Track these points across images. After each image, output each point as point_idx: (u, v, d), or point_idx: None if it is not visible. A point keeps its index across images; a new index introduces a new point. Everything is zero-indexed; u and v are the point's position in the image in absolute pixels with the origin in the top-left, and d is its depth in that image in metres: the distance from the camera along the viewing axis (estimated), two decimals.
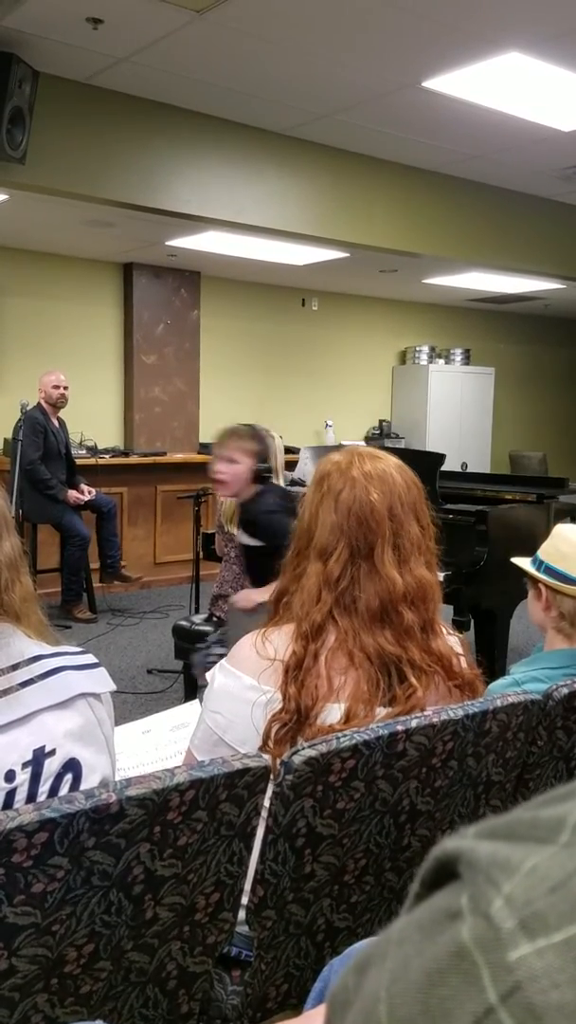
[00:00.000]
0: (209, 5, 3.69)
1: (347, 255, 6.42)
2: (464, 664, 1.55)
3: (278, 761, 1.28)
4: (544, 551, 1.93)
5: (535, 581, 1.92)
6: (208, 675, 1.56)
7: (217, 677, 1.53)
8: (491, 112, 4.77)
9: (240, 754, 1.26)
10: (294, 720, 1.41)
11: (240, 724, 1.47)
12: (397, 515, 1.45)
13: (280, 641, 1.49)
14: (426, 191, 6.09)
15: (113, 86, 4.72)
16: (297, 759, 1.25)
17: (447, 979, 0.36)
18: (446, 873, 0.40)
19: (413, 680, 1.43)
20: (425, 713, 1.41)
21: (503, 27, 3.82)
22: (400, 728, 1.34)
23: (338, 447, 7.01)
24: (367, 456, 1.53)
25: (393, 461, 1.54)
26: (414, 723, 1.36)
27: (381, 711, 1.44)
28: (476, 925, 0.36)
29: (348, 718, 1.41)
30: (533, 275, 7.16)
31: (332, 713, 1.43)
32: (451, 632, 1.60)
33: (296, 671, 1.42)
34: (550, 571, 1.89)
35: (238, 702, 1.48)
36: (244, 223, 5.44)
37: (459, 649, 1.58)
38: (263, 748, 1.42)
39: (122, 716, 1.72)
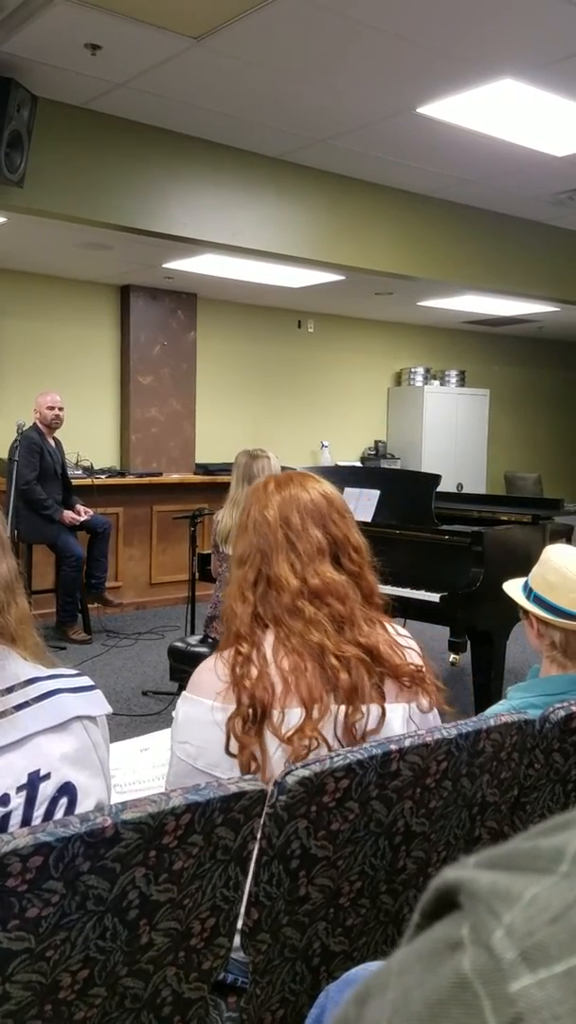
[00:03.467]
0: (206, 32, 3.74)
1: (343, 278, 6.46)
2: (405, 656, 1.61)
3: (256, 767, 1.37)
4: (533, 579, 1.91)
5: (526, 611, 1.92)
6: (173, 712, 1.61)
7: (180, 708, 1.58)
8: (485, 138, 4.82)
9: (234, 777, 1.25)
10: (251, 716, 1.47)
11: (211, 749, 1.49)
12: (294, 525, 1.62)
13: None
14: (421, 215, 6.15)
15: (111, 111, 4.76)
16: (291, 779, 1.24)
17: (449, 1010, 0.35)
18: (447, 903, 0.40)
19: (336, 663, 1.52)
20: (418, 732, 1.41)
21: (497, 54, 3.88)
22: (393, 747, 1.34)
23: (334, 468, 6.99)
24: (282, 480, 1.70)
25: (308, 483, 1.69)
26: (407, 742, 1.36)
27: (336, 708, 1.50)
28: (477, 956, 0.36)
29: (307, 715, 1.47)
30: (527, 298, 7.21)
31: (292, 716, 1.47)
32: (401, 633, 1.67)
33: (244, 667, 1.51)
34: (539, 601, 1.87)
35: (205, 726, 1.50)
36: (240, 246, 5.48)
37: (404, 643, 1.64)
38: (227, 748, 1.46)
39: (117, 738, 1.71)
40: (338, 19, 3.61)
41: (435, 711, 1.62)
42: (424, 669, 1.61)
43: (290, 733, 1.46)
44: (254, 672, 1.51)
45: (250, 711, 1.47)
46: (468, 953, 0.36)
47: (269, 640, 1.55)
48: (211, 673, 1.54)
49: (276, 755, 1.46)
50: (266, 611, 1.58)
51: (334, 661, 1.51)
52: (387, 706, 1.53)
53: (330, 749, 1.45)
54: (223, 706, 1.49)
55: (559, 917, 0.36)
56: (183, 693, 1.60)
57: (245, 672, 1.51)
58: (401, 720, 1.55)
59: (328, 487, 1.69)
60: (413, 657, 1.62)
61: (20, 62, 4.10)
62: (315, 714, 1.47)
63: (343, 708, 1.50)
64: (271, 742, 1.47)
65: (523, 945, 0.35)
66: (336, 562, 1.62)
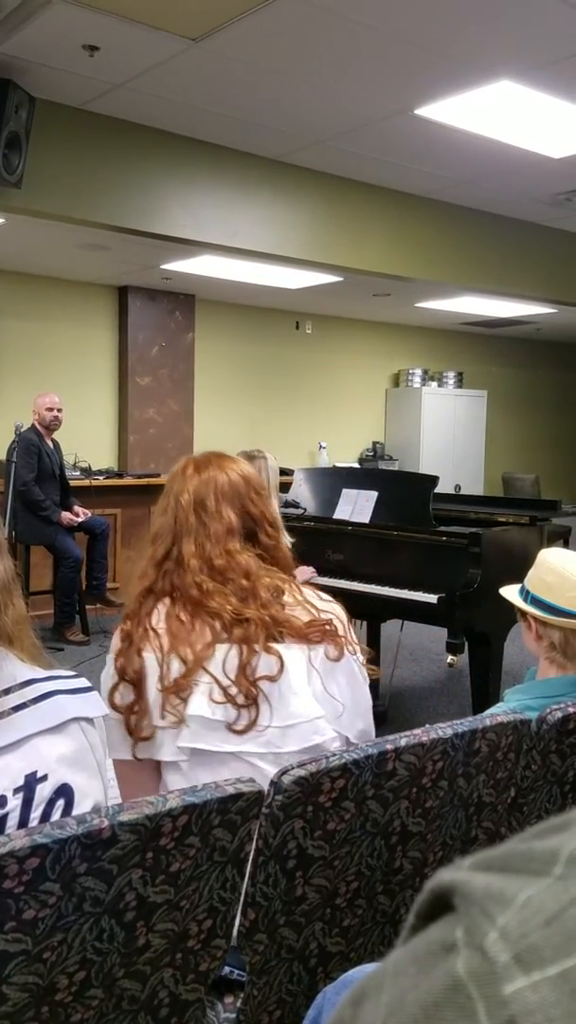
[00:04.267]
0: (204, 33, 3.74)
1: (341, 279, 6.46)
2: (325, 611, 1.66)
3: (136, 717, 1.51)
4: (530, 580, 1.92)
5: (523, 613, 1.92)
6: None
7: (105, 671, 1.67)
8: (483, 139, 4.83)
9: (231, 779, 1.25)
10: (129, 684, 1.54)
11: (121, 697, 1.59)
12: (208, 507, 1.68)
13: (159, 610, 1.64)
14: (419, 216, 6.15)
15: (109, 112, 4.76)
16: (286, 779, 1.25)
17: (443, 1012, 0.36)
18: (441, 905, 0.40)
19: (231, 620, 1.57)
20: (414, 732, 1.41)
21: (494, 56, 3.88)
22: (389, 747, 1.34)
23: (332, 469, 7.00)
24: (201, 462, 1.76)
25: (227, 463, 1.76)
26: (403, 741, 1.36)
27: (223, 645, 1.54)
28: (471, 958, 0.36)
29: (193, 660, 1.52)
30: (525, 299, 7.22)
31: (173, 668, 1.53)
32: (323, 598, 1.72)
33: (123, 643, 1.59)
34: (537, 602, 1.88)
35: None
36: (238, 247, 5.48)
37: (323, 606, 1.68)
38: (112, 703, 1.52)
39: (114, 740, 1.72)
40: (336, 20, 3.61)
41: (355, 666, 1.64)
42: (335, 627, 1.64)
43: (169, 684, 1.51)
44: (130, 647, 1.57)
45: (125, 681, 1.54)
46: (462, 955, 0.37)
47: (160, 610, 1.61)
48: (127, 625, 1.64)
49: (154, 703, 1.52)
50: (164, 585, 1.64)
51: (228, 619, 1.57)
52: (283, 650, 1.56)
53: (220, 686, 1.50)
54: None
55: (553, 919, 0.36)
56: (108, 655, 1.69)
57: (122, 648, 1.58)
58: (303, 665, 1.58)
59: (246, 467, 1.77)
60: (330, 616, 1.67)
61: (18, 63, 4.10)
62: (192, 662, 1.53)
63: (234, 648, 1.54)
64: (151, 694, 1.53)
65: (517, 947, 0.35)
66: (252, 539, 1.69)
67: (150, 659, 1.55)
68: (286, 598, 1.65)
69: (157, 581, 1.66)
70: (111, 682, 1.56)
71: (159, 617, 1.60)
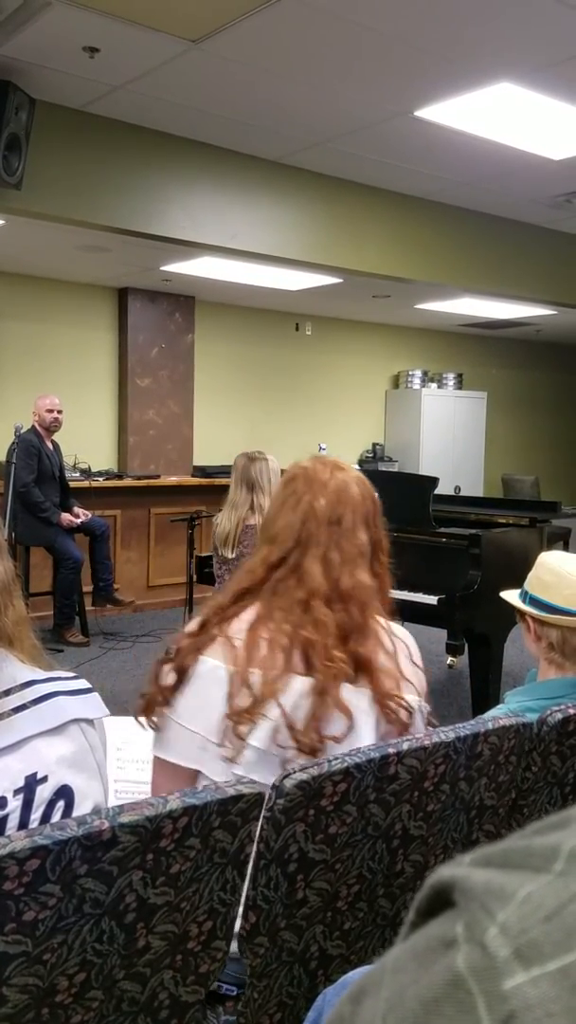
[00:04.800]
0: (204, 35, 3.75)
1: (340, 281, 6.47)
2: (396, 686, 1.53)
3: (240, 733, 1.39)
4: (529, 582, 1.93)
5: (522, 614, 1.92)
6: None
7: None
8: (482, 141, 4.83)
9: (231, 781, 1.25)
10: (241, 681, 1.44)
11: (185, 699, 1.49)
12: (344, 523, 1.55)
13: (242, 618, 1.53)
14: (418, 218, 6.15)
15: (109, 114, 4.77)
16: (288, 783, 1.24)
17: (443, 1008, 0.36)
18: (441, 901, 0.40)
19: (318, 663, 1.47)
20: (417, 736, 1.40)
21: (494, 57, 3.88)
22: (392, 751, 1.34)
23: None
24: (332, 466, 1.63)
25: (354, 475, 1.64)
26: (405, 745, 1.36)
27: (298, 679, 1.45)
28: (471, 953, 0.36)
29: (263, 689, 1.43)
30: (524, 301, 7.22)
31: (253, 677, 1.45)
32: (396, 634, 1.60)
33: (196, 636, 1.50)
34: (534, 602, 1.89)
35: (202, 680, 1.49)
36: (238, 249, 5.49)
37: (396, 645, 1.57)
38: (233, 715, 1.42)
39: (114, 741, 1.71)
40: (336, 22, 3.62)
41: (420, 725, 1.55)
42: (407, 718, 1.52)
43: (233, 710, 1.42)
44: (195, 641, 1.50)
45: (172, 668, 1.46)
46: (462, 951, 0.37)
47: (244, 617, 1.52)
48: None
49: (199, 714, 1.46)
50: (266, 591, 1.53)
51: (318, 655, 1.47)
52: (354, 699, 1.46)
53: (287, 728, 1.40)
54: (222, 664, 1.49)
55: (553, 915, 0.36)
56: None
57: (192, 637, 1.50)
58: (372, 719, 1.49)
59: (371, 486, 1.66)
60: (403, 663, 1.56)
61: (18, 65, 4.10)
62: (269, 684, 1.43)
63: (308, 698, 1.43)
64: (191, 700, 1.46)
65: (517, 943, 0.35)
66: (370, 566, 1.58)
67: (208, 666, 1.47)
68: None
69: (261, 584, 1.54)
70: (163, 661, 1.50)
71: (241, 625, 1.50)
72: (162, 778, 1.52)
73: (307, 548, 1.54)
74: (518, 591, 1.98)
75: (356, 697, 1.47)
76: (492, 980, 0.35)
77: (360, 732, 1.46)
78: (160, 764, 1.52)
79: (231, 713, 1.42)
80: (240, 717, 1.41)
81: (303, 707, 1.43)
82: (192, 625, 1.54)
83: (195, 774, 1.47)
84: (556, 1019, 0.33)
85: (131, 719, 1.57)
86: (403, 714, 1.50)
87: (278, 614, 1.50)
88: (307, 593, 1.51)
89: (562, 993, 0.34)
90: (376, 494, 1.66)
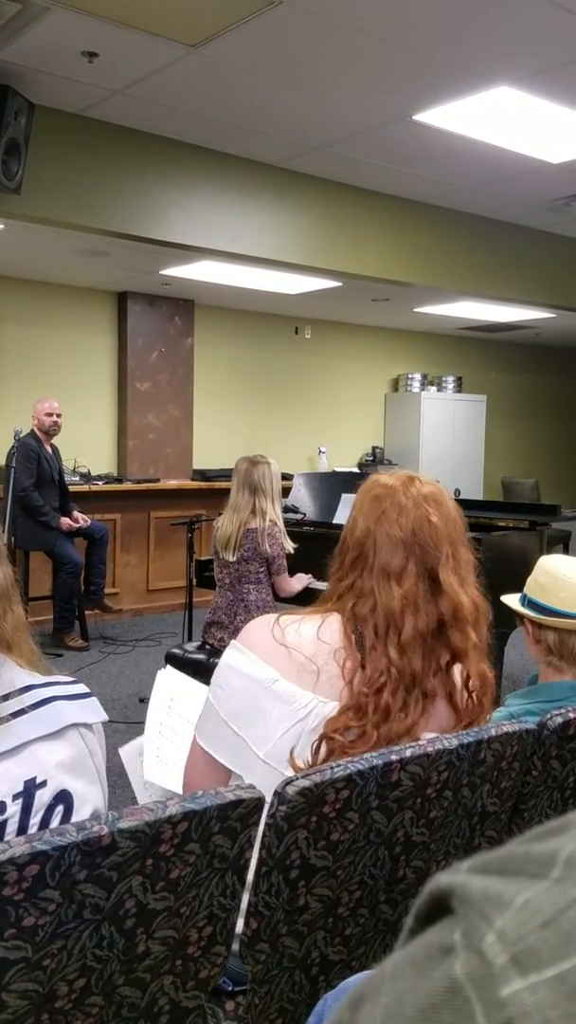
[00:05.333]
0: (203, 39, 3.75)
1: (340, 284, 6.47)
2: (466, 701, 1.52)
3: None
4: (527, 586, 1.94)
5: (521, 617, 1.93)
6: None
7: (226, 654, 1.51)
8: (481, 145, 4.84)
9: (231, 785, 1.25)
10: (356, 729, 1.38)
11: (238, 699, 1.45)
12: (454, 538, 1.48)
13: (302, 632, 1.47)
14: (418, 222, 6.16)
15: (108, 118, 4.78)
16: (291, 790, 1.24)
17: (440, 1015, 0.36)
18: (440, 908, 0.40)
19: (412, 706, 1.43)
20: (419, 743, 1.40)
21: (493, 62, 3.89)
22: (395, 758, 1.33)
23: (332, 474, 6.98)
24: (419, 480, 1.55)
25: (439, 487, 1.56)
26: (408, 752, 1.35)
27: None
28: (469, 960, 0.36)
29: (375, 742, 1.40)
30: (524, 304, 7.23)
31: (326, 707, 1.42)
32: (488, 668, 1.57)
33: (380, 691, 1.40)
34: (533, 605, 1.89)
35: (241, 677, 1.45)
36: (237, 253, 5.49)
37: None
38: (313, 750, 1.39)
39: (114, 746, 1.70)
40: (335, 27, 3.62)
41: None
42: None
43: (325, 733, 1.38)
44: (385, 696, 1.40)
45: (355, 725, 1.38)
46: (460, 958, 0.37)
47: (336, 618, 1.46)
48: (266, 630, 1.48)
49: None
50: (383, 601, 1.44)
51: (424, 691, 1.42)
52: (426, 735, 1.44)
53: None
54: (267, 666, 1.44)
55: (550, 922, 0.36)
56: (232, 642, 1.54)
57: (383, 695, 1.40)
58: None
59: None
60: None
61: (17, 69, 4.11)
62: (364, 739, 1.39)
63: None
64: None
65: (514, 950, 0.35)
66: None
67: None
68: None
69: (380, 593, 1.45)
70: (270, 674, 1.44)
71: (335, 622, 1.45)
72: (201, 762, 1.50)
73: (436, 567, 1.45)
74: (519, 595, 1.98)
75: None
76: (490, 987, 0.35)
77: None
78: (200, 749, 1.50)
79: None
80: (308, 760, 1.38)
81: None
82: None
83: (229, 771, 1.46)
84: None
85: (185, 678, 1.50)
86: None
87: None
88: (451, 615, 1.43)
89: (559, 1000, 0.34)
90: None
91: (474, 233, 6.46)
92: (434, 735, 1.46)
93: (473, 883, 0.39)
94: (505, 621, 3.65)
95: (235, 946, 1.31)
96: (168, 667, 2.12)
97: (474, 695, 1.50)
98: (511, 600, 1.99)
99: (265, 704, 1.42)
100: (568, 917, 0.36)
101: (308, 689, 1.42)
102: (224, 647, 1.60)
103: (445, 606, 1.44)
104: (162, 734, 1.90)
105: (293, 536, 4.04)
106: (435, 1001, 0.36)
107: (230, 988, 1.39)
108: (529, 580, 1.94)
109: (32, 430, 5.90)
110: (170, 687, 2.06)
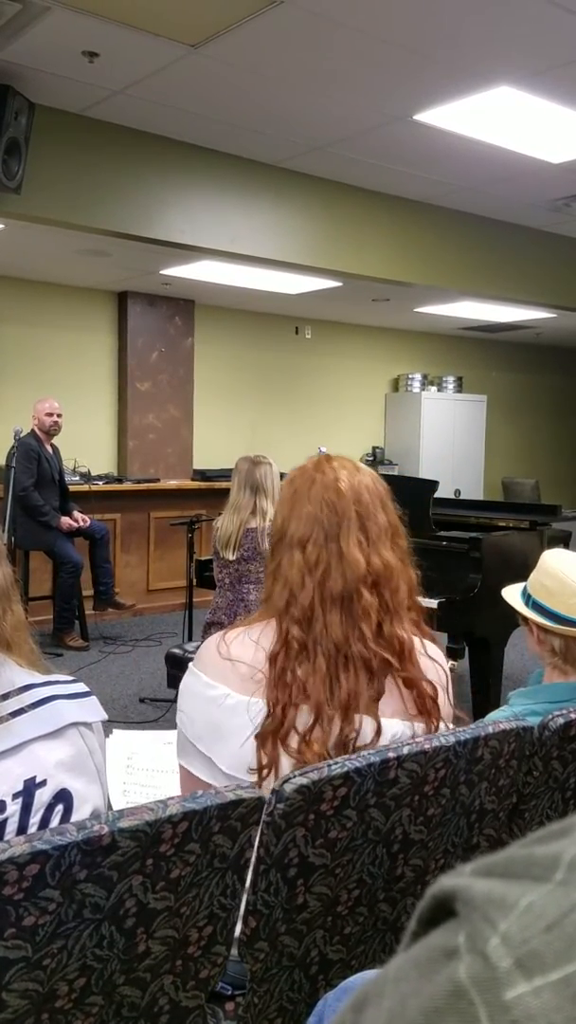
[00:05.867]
0: (203, 39, 3.75)
1: (340, 284, 6.47)
2: (428, 668, 1.52)
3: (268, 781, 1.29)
4: (531, 584, 1.90)
5: (525, 617, 1.91)
6: None
7: (184, 679, 1.55)
8: (482, 145, 4.84)
9: (231, 785, 1.25)
10: (279, 723, 1.41)
11: (199, 721, 1.47)
12: (364, 501, 1.51)
13: (245, 641, 1.49)
14: (418, 222, 6.16)
15: (108, 118, 4.78)
16: (288, 787, 1.24)
17: (444, 1018, 0.35)
18: (443, 911, 0.40)
19: (349, 678, 1.43)
20: (417, 740, 1.40)
21: (493, 62, 3.89)
22: (392, 755, 1.33)
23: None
24: (332, 457, 1.60)
25: (360, 466, 1.61)
26: (405, 750, 1.35)
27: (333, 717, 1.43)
28: (473, 964, 0.36)
29: (315, 720, 1.41)
30: (524, 304, 7.22)
31: (302, 715, 1.42)
32: (435, 658, 1.57)
33: (292, 660, 1.43)
34: (538, 607, 1.86)
35: (197, 699, 1.48)
36: (238, 252, 5.49)
37: (436, 668, 1.55)
38: (259, 771, 1.40)
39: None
40: (335, 27, 3.62)
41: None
42: (437, 699, 1.51)
43: (299, 744, 1.39)
44: (299, 670, 1.42)
45: (280, 715, 1.40)
46: (464, 961, 0.36)
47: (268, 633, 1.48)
48: (213, 648, 1.50)
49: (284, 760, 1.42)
50: (322, 600, 1.46)
51: (347, 656, 1.43)
52: (384, 721, 1.45)
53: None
54: (214, 684, 1.46)
55: (554, 925, 0.36)
56: (189, 665, 1.55)
57: (288, 667, 1.42)
58: (398, 736, 1.48)
59: (374, 472, 1.63)
60: (432, 678, 1.53)
61: (18, 69, 4.11)
62: (321, 727, 1.41)
63: (338, 722, 1.42)
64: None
65: (518, 953, 0.35)
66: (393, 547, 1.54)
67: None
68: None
69: (315, 592, 1.47)
70: (217, 688, 1.46)
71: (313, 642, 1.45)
72: (189, 781, 1.51)
73: (338, 534, 1.48)
74: (519, 588, 1.96)
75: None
76: (494, 990, 0.35)
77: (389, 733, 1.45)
78: (185, 771, 1.52)
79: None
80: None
81: (333, 737, 1.41)
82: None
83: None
84: None
85: (136, 733, 1.55)
86: (428, 702, 1.49)
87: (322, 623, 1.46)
88: (355, 580, 1.46)
89: (564, 1003, 0.33)
90: (381, 480, 1.63)
91: (474, 233, 6.45)
92: (421, 726, 1.48)
93: (476, 886, 0.39)
94: (507, 621, 3.65)
95: (234, 950, 1.31)
96: (114, 731, 2.10)
97: (410, 653, 1.49)
98: (513, 598, 1.97)
99: (222, 721, 1.44)
100: (572, 920, 0.36)
101: (258, 696, 1.44)
102: None
103: (348, 568, 1.47)
104: (127, 792, 1.91)
105: None
106: (439, 1004, 0.36)
107: (229, 993, 1.39)
108: (533, 579, 1.91)
109: (32, 430, 5.90)
110: (125, 747, 2.07)
